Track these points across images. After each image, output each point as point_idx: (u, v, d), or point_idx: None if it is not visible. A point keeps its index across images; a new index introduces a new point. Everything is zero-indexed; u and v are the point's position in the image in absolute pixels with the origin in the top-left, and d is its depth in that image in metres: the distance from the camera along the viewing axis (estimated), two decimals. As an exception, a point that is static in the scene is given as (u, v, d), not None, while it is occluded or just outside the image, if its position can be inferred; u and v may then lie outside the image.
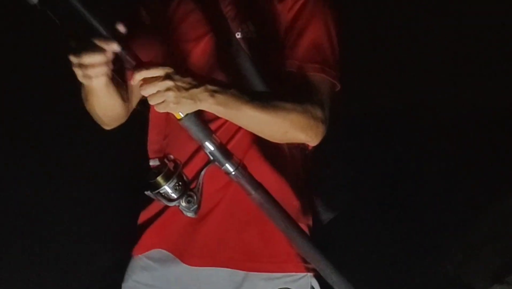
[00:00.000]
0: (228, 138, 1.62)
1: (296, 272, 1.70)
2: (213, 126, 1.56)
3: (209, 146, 1.49)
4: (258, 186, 1.54)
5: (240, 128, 1.60)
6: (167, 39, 1.70)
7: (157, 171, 1.52)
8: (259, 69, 1.63)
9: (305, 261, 1.69)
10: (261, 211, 1.57)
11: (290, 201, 1.68)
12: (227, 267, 1.68)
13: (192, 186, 1.56)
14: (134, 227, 1.80)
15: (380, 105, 3.84)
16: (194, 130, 1.48)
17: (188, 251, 1.69)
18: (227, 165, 1.52)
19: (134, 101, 1.70)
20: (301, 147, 1.72)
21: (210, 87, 1.43)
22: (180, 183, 1.53)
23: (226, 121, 1.57)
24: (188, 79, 1.41)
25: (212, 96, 1.42)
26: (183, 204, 1.53)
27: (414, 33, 3.87)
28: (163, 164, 1.55)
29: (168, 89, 1.38)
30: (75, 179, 3.69)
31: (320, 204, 1.80)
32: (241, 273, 1.68)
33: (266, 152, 1.65)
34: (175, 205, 1.54)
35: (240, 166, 1.52)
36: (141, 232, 1.75)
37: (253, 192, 1.54)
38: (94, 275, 3.35)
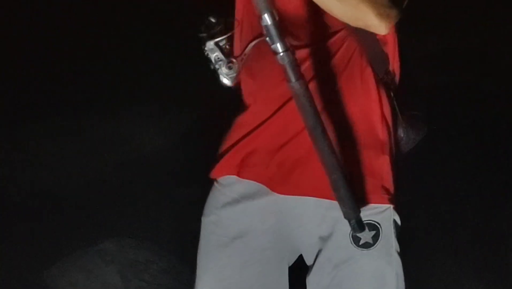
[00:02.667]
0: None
1: (380, 203, 1.70)
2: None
3: (267, 19, 1.42)
4: (301, 77, 1.46)
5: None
6: None
7: (212, 24, 1.48)
8: None
9: (388, 193, 1.70)
10: (295, 102, 1.51)
11: (375, 132, 1.68)
12: (313, 196, 1.69)
13: (237, 54, 1.54)
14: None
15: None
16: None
17: (273, 180, 1.70)
18: (278, 45, 1.43)
19: None
20: (386, 77, 1.72)
21: None
22: (228, 46, 1.50)
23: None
24: None
25: None
26: (224, 68, 1.50)
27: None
28: (219, 21, 1.52)
29: None
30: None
31: (401, 134, 1.80)
32: (326, 202, 1.68)
33: (352, 86, 1.65)
34: (215, 67, 1.51)
35: (290, 51, 1.44)
36: (222, 157, 1.76)
37: (293, 80, 1.46)
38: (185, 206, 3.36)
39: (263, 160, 1.70)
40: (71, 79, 4.65)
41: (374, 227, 1.70)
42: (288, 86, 1.47)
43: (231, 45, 1.57)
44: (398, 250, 1.74)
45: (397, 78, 1.79)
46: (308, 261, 1.81)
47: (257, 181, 1.74)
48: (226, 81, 1.53)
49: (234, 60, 1.53)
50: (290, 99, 1.59)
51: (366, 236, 1.69)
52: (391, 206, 1.73)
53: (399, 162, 1.77)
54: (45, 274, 3.05)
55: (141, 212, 3.48)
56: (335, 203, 1.68)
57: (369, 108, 1.68)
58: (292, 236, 1.80)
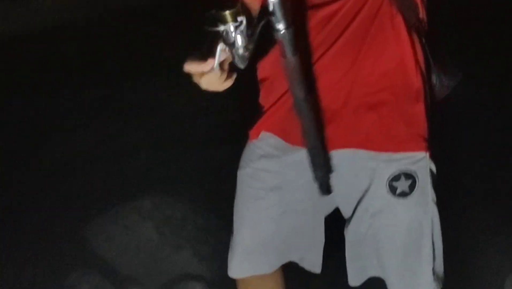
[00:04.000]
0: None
1: (416, 151, 1.70)
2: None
3: None
4: (297, 52, 1.44)
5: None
6: None
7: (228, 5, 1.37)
8: None
9: (424, 141, 1.70)
10: (286, 74, 1.50)
11: (410, 80, 1.67)
12: (348, 148, 1.70)
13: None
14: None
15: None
16: None
17: None
18: (281, 23, 1.39)
19: None
20: (417, 25, 1.70)
21: None
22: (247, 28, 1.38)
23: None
24: None
25: None
26: (240, 51, 1.39)
27: None
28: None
29: None
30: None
31: (434, 80, 1.78)
32: (363, 152, 1.70)
33: (383, 35, 1.64)
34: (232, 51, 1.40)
35: (292, 28, 1.40)
36: (259, 118, 1.78)
37: (289, 55, 1.44)
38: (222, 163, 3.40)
39: (296, 120, 1.67)
40: (104, 50, 4.68)
41: (410, 176, 1.70)
42: (282, 61, 1.46)
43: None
44: (435, 199, 1.75)
45: (426, 25, 1.75)
46: (346, 214, 1.82)
47: (291, 142, 1.76)
48: (240, 65, 1.43)
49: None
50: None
51: (402, 185, 1.70)
52: (427, 154, 1.72)
53: (434, 109, 1.75)
54: (84, 230, 3.10)
55: (177, 171, 3.51)
56: (372, 154, 1.70)
57: (402, 56, 1.66)
58: (328, 187, 1.80)
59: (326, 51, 1.63)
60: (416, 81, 1.69)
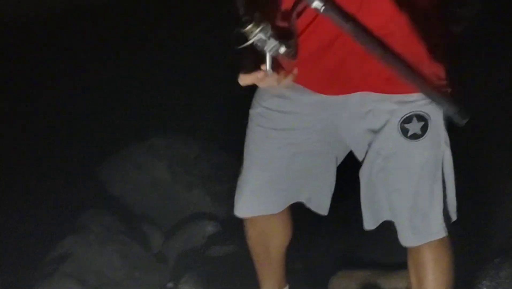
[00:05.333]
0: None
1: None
2: None
3: None
4: (349, 18, 1.48)
5: None
6: None
7: (247, 20, 1.44)
8: None
9: (440, 79, 1.66)
10: (357, 42, 1.52)
11: (426, 18, 1.61)
12: (359, 91, 1.67)
13: (285, 30, 1.50)
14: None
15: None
16: None
17: (319, 83, 1.69)
18: (316, 2, 1.44)
19: None
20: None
21: None
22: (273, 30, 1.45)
23: None
24: None
25: None
26: (282, 49, 1.45)
27: None
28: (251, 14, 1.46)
29: None
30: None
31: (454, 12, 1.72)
32: (374, 95, 1.67)
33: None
34: (274, 54, 1.46)
35: (329, 2, 1.44)
36: None
37: (345, 25, 1.48)
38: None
39: (307, 66, 1.64)
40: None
41: (422, 118, 1.66)
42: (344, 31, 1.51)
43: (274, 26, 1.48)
44: (448, 141, 1.71)
45: None
46: (359, 157, 1.79)
47: (304, 85, 1.71)
48: (291, 59, 1.48)
49: (286, 37, 1.47)
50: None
51: (414, 127, 1.66)
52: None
53: (452, 42, 1.69)
54: (97, 169, 3.11)
55: (190, 110, 3.48)
56: (384, 96, 1.66)
57: None
58: (341, 130, 1.77)
59: None
60: (432, 19, 1.61)
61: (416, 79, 1.57)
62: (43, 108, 3.57)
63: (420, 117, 1.65)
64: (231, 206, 2.88)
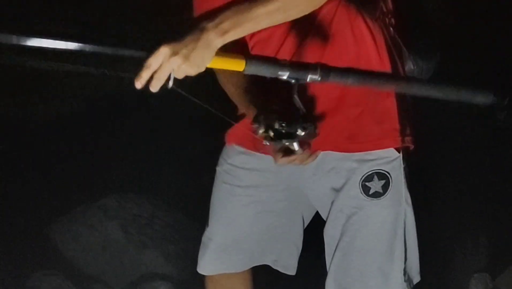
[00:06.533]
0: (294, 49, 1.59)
1: (389, 147, 1.69)
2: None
3: (284, 72, 1.40)
4: (349, 72, 1.46)
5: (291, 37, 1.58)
6: None
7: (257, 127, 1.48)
8: None
9: (399, 134, 1.69)
10: (362, 88, 1.56)
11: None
12: (321, 150, 1.69)
13: (295, 114, 1.50)
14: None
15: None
16: (262, 70, 1.39)
17: None
18: (310, 76, 1.41)
19: None
20: (382, 17, 1.69)
21: (208, 25, 1.31)
22: (285, 122, 1.47)
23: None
24: (185, 40, 1.29)
25: (218, 31, 1.31)
26: (302, 134, 1.47)
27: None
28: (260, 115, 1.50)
29: (171, 56, 1.27)
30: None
31: (411, 66, 1.76)
32: (335, 154, 1.70)
33: (342, 41, 1.62)
34: (296, 141, 1.48)
35: (321, 68, 1.42)
36: (236, 122, 1.72)
37: (348, 81, 1.46)
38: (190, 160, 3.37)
39: None
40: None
41: (383, 176, 1.70)
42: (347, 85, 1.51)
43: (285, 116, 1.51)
44: (409, 199, 1.74)
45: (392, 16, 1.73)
46: (323, 215, 1.81)
47: (263, 152, 1.73)
48: (313, 138, 1.52)
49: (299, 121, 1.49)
50: None
51: (376, 185, 1.70)
52: (401, 155, 1.72)
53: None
54: (47, 229, 3.04)
55: (144, 167, 3.46)
56: (346, 155, 1.70)
57: (363, 55, 1.64)
58: (304, 188, 1.80)
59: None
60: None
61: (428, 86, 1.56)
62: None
63: (381, 175, 1.68)
64: (185, 266, 2.87)
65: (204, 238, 1.90)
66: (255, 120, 1.50)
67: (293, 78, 1.41)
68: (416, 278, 1.79)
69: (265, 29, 1.56)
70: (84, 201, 3.12)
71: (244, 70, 1.36)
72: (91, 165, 3.48)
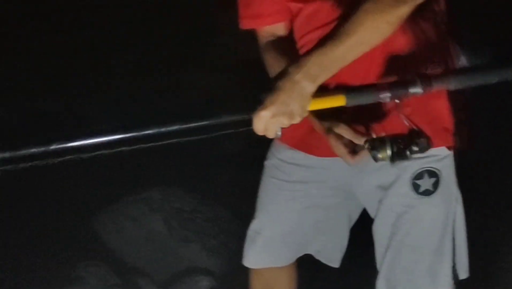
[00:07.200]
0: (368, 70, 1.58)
1: (440, 146, 1.68)
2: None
3: (385, 94, 1.39)
4: (449, 75, 1.46)
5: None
6: None
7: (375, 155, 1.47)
8: None
9: (450, 134, 1.69)
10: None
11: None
12: None
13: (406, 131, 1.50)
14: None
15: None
16: (363, 99, 1.40)
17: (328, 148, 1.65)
18: (411, 90, 1.40)
19: None
20: (434, 17, 1.66)
21: (297, 75, 1.35)
22: (398, 140, 1.47)
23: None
24: (279, 97, 1.34)
25: (309, 78, 1.35)
26: (416, 149, 1.46)
27: None
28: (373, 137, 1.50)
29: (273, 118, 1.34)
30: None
31: (464, 63, 1.73)
32: None
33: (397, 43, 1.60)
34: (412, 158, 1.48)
35: (421, 79, 1.40)
36: None
37: (451, 84, 1.44)
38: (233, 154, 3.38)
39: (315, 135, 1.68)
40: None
41: (434, 174, 1.69)
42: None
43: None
44: (460, 198, 1.73)
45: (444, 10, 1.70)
46: (371, 213, 1.80)
47: (316, 155, 1.75)
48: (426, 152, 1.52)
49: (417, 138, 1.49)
50: None
51: (426, 183, 1.68)
52: (451, 152, 1.70)
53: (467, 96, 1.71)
54: (92, 221, 3.08)
55: (188, 161, 3.47)
56: None
57: (419, 56, 1.62)
58: (353, 186, 1.80)
59: None
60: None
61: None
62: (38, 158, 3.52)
63: (432, 173, 1.67)
64: (226, 261, 2.88)
65: (250, 232, 1.91)
66: (371, 144, 1.48)
67: (395, 98, 1.40)
68: (465, 275, 1.77)
69: (315, 29, 1.57)
70: (128, 194, 3.15)
71: (346, 104, 1.38)
72: (135, 158, 3.51)
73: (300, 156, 1.79)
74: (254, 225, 1.90)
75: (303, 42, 1.68)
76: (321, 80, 1.36)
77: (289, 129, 1.69)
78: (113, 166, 3.37)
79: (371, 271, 1.80)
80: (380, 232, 1.75)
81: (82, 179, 3.30)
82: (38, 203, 3.16)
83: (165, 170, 3.38)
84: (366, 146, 1.49)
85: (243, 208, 2.03)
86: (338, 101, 1.39)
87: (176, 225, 3.03)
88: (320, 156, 1.75)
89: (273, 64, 1.66)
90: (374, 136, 1.50)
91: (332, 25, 1.49)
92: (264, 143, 1.89)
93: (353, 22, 1.39)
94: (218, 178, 3.29)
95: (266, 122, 1.34)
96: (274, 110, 1.33)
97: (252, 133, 1.42)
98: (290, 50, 1.67)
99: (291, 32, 1.72)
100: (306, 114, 1.37)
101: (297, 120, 1.36)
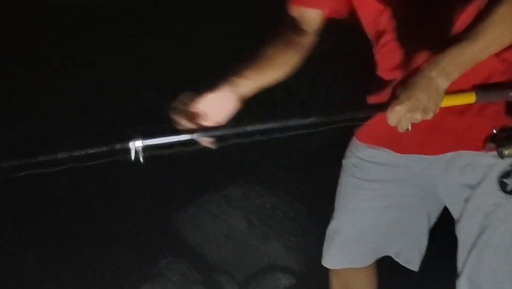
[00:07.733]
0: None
1: None
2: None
3: None
4: None
5: None
6: None
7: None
8: None
9: None
10: None
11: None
12: (455, 150, 1.67)
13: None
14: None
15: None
16: (493, 96, 1.49)
17: (412, 145, 1.69)
18: None
19: None
20: None
21: (433, 73, 1.40)
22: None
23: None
24: (414, 93, 1.39)
25: (445, 76, 1.40)
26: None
27: None
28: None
29: (408, 113, 1.39)
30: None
31: None
32: (470, 152, 1.66)
33: None
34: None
35: None
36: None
37: None
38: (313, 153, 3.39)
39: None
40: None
41: None
42: None
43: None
44: None
45: None
46: (454, 213, 1.75)
47: (398, 152, 1.73)
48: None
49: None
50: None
51: None
52: None
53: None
54: (173, 218, 3.12)
55: (268, 159, 3.47)
56: (480, 153, 1.63)
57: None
58: (435, 184, 1.74)
59: None
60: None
61: None
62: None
63: None
64: (306, 259, 2.85)
65: (329, 231, 1.88)
66: (499, 144, 1.56)
67: None
68: None
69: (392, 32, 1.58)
70: (209, 191, 3.17)
71: (475, 101, 1.49)
72: (216, 156, 3.54)
73: (381, 155, 1.75)
74: (332, 225, 1.87)
75: (384, 41, 1.65)
76: (454, 77, 1.41)
77: (372, 128, 1.67)
78: (194, 163, 3.42)
79: (449, 274, 1.76)
80: (465, 232, 1.70)
81: (164, 175, 3.36)
82: (121, 201, 3.23)
83: (245, 167, 3.39)
84: (490, 143, 1.55)
85: (322, 206, 2.00)
86: (468, 98, 1.48)
87: (256, 222, 3.03)
88: (404, 153, 1.72)
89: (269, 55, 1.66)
90: (495, 131, 1.56)
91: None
92: (343, 142, 1.86)
93: (488, 23, 1.42)
94: (297, 175, 3.27)
95: (401, 116, 1.39)
96: (409, 105, 1.38)
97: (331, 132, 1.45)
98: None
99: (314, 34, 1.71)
100: (438, 111, 1.41)
101: (430, 116, 1.41)
